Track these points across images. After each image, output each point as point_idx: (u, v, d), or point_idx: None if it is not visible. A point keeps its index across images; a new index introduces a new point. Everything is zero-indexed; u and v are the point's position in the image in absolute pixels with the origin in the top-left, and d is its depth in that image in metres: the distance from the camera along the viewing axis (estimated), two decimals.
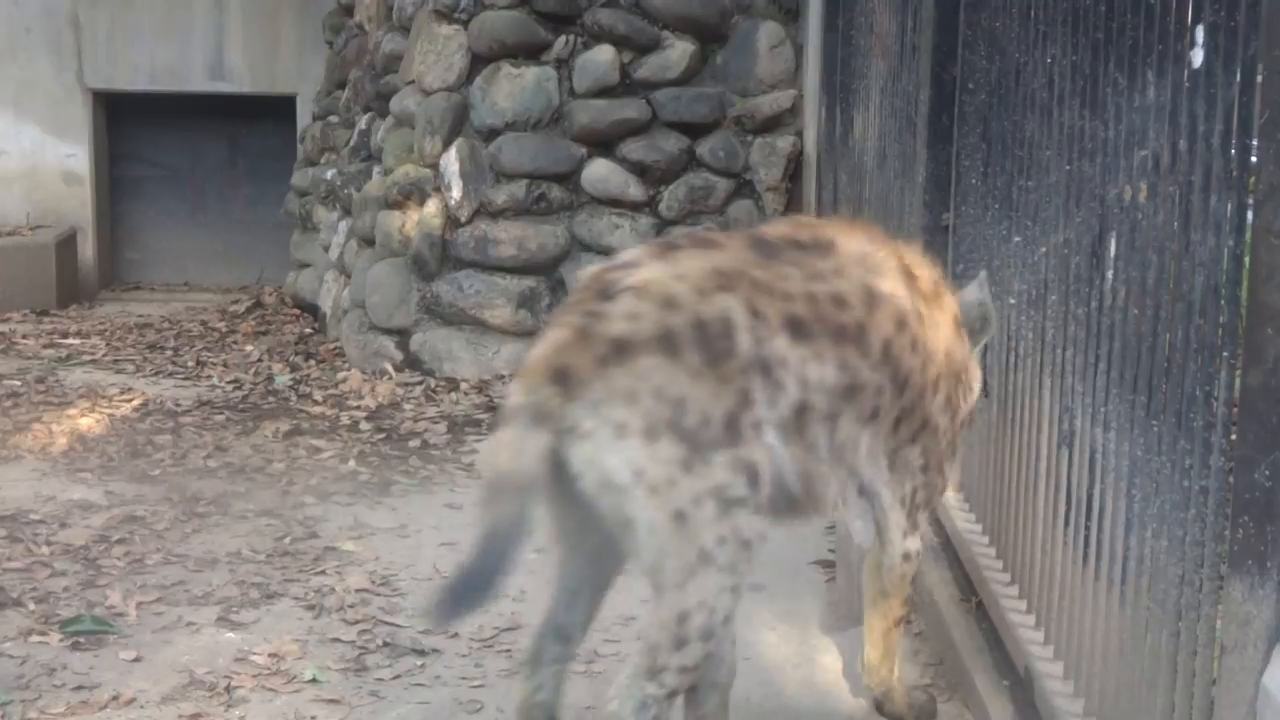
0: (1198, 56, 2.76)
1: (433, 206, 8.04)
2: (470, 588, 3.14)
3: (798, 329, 3.15)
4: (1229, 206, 2.63)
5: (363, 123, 9.28)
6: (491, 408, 7.39)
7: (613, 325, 3.04)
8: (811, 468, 3.26)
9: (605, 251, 7.92)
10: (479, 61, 8.10)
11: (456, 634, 4.72)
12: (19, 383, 7.88)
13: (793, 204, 8.19)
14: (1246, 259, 2.55)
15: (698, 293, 3.09)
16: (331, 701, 4.23)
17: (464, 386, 7.75)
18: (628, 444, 2.99)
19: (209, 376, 8.17)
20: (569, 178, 7.98)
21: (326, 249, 9.38)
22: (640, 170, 7.96)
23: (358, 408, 7.43)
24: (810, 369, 3.16)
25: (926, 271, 3.52)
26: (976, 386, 3.72)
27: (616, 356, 3.01)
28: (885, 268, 3.37)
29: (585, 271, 3.43)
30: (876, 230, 3.56)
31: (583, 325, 3.06)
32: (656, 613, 3.14)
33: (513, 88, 7.99)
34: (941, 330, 3.47)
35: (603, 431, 3.00)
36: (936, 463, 3.54)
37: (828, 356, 3.19)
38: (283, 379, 7.99)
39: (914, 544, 3.63)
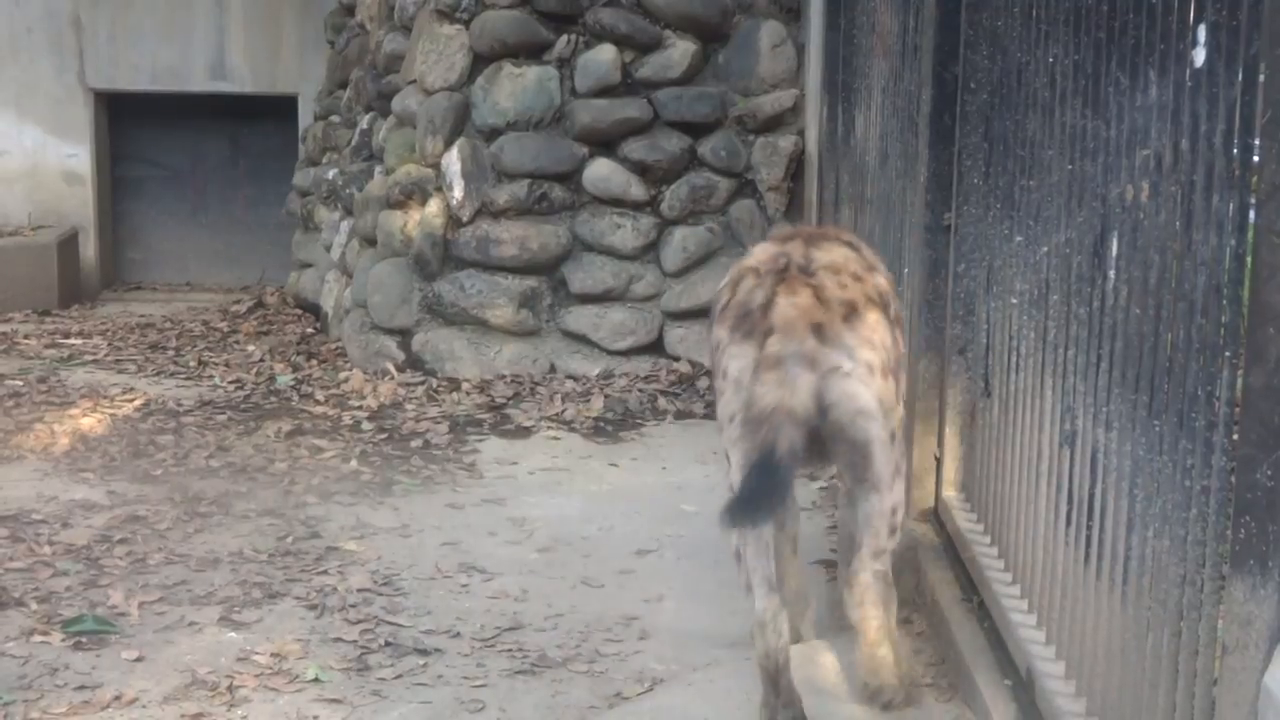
0: (1200, 56, 2.76)
1: (434, 206, 8.04)
2: (758, 503, 3.61)
3: (893, 300, 4.08)
4: (1231, 206, 2.62)
5: (364, 122, 9.28)
6: (493, 407, 7.40)
7: (836, 292, 3.80)
8: None
9: (607, 251, 7.92)
10: (480, 61, 8.11)
11: (459, 634, 4.72)
12: (21, 383, 7.89)
13: (794, 204, 8.19)
14: (1248, 258, 2.55)
15: (864, 271, 3.97)
16: (334, 701, 4.23)
17: (466, 386, 7.75)
18: (875, 380, 3.77)
19: (211, 376, 8.17)
20: (570, 177, 7.98)
21: (328, 249, 9.39)
22: (642, 170, 7.96)
23: (359, 407, 7.43)
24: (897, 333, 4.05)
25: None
26: None
27: (852, 314, 3.79)
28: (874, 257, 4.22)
29: (757, 256, 4.01)
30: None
31: (815, 291, 3.77)
32: (877, 511, 3.89)
33: (514, 87, 7.99)
34: None
35: (859, 370, 3.74)
36: None
37: (898, 327, 4.08)
38: (284, 379, 8.00)
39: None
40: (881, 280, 4.04)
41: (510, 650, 4.61)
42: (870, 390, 3.76)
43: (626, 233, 7.92)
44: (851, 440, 3.81)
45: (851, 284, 3.87)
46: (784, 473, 3.58)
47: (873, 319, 3.83)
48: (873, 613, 3.94)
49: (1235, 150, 2.60)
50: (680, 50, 8.05)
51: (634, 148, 7.96)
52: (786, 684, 3.83)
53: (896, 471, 3.93)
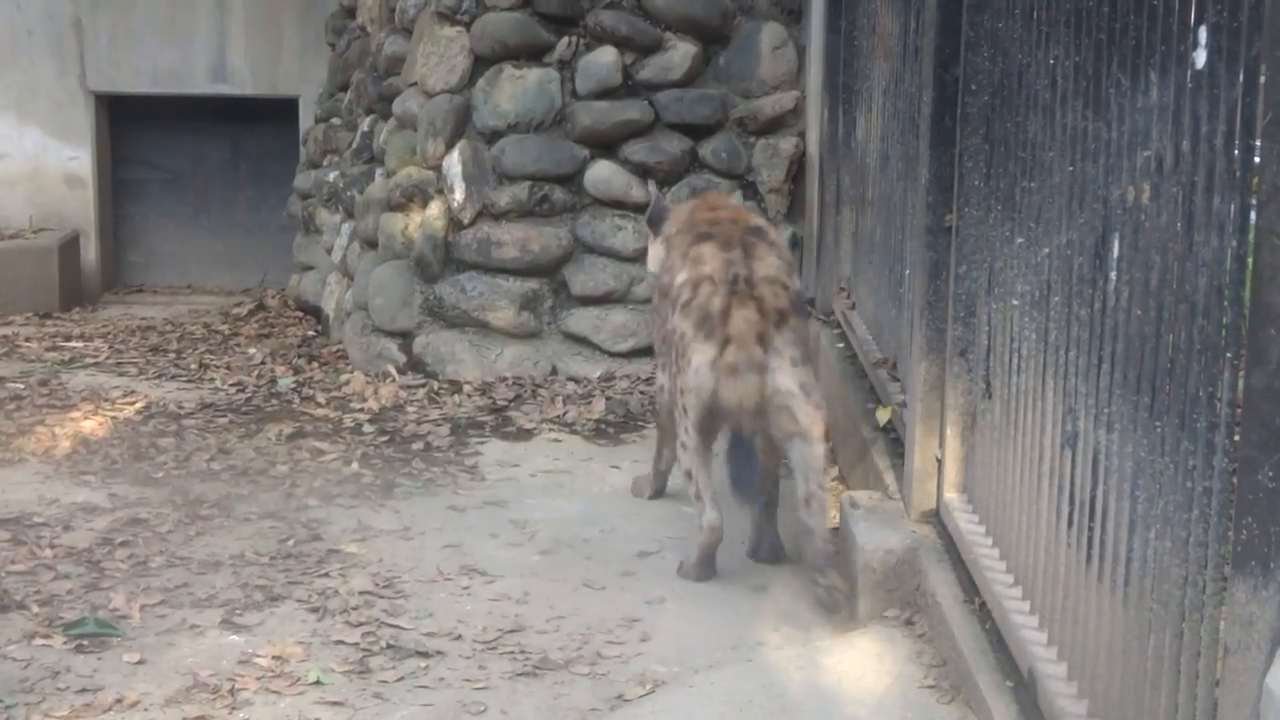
0: (1200, 57, 2.76)
1: (435, 208, 8.04)
2: (746, 481, 5.10)
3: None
4: (1232, 207, 2.63)
5: (365, 125, 9.29)
6: (495, 410, 7.40)
7: (770, 303, 5.08)
8: None
9: (608, 253, 7.93)
10: (481, 63, 8.11)
11: (460, 636, 4.72)
12: (22, 385, 7.89)
13: (795, 205, 8.20)
14: (1249, 260, 2.55)
15: (787, 277, 5.24)
16: (335, 704, 4.23)
17: (467, 389, 7.75)
18: (797, 369, 5.05)
19: (212, 379, 8.17)
20: (572, 179, 7.99)
21: (329, 251, 9.39)
22: (643, 172, 7.96)
23: (361, 410, 7.43)
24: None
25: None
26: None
27: (782, 322, 5.07)
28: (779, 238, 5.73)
29: (712, 267, 5.18)
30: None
31: (759, 306, 5.04)
32: (811, 456, 5.07)
33: (515, 89, 8.00)
34: None
35: (786, 365, 5.03)
36: None
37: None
38: (285, 381, 8.00)
39: None
40: (797, 282, 5.38)
41: (512, 652, 4.61)
42: (794, 378, 5.03)
43: (628, 235, 7.92)
44: (781, 409, 5.06)
45: (781, 293, 5.14)
46: (750, 442, 5.07)
47: (794, 322, 5.13)
48: (819, 520, 5.02)
49: (1236, 152, 2.61)
50: (681, 52, 8.05)
51: (635, 150, 7.96)
52: (712, 560, 5.27)
53: (824, 431, 5.18)
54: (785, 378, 5.02)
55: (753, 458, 5.09)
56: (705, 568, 5.26)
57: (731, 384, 4.99)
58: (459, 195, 7.95)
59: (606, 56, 7.97)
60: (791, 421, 5.05)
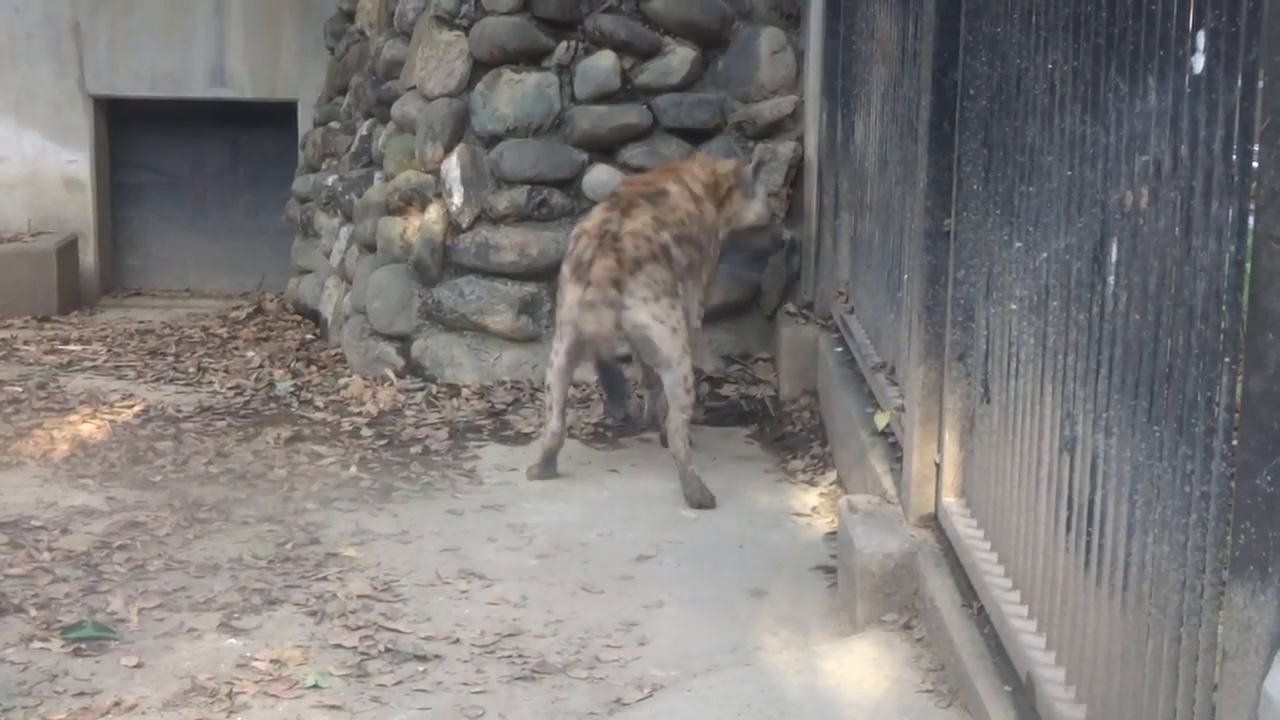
0: (1199, 62, 2.77)
1: (434, 212, 8.04)
2: (614, 393, 6.43)
3: (678, 240, 6.54)
4: (1230, 212, 2.63)
5: (364, 129, 9.28)
6: (493, 413, 7.40)
7: (629, 253, 6.28)
8: (688, 303, 6.53)
9: None
10: (480, 67, 8.11)
11: (458, 640, 4.73)
12: (20, 389, 7.89)
13: (794, 209, 8.19)
14: (1248, 264, 2.55)
15: (655, 231, 6.44)
16: (333, 707, 4.23)
17: (465, 392, 7.75)
18: (649, 305, 6.24)
19: (210, 382, 8.17)
20: (570, 183, 7.98)
21: (328, 255, 9.39)
22: None
23: (359, 414, 7.43)
24: (683, 258, 6.54)
25: (693, 182, 6.93)
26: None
27: (637, 268, 6.26)
28: (684, 194, 6.81)
29: (585, 226, 6.57)
30: (670, 170, 7.07)
31: (617, 256, 6.25)
32: (672, 381, 6.32)
33: (514, 93, 8.00)
34: (708, 215, 6.90)
35: (638, 303, 6.23)
36: (708, 279, 6.92)
37: (686, 250, 6.59)
38: (284, 385, 8.00)
39: (698, 324, 6.84)
40: (666, 235, 6.46)
41: (510, 656, 4.61)
42: (647, 312, 6.22)
43: None
44: (640, 342, 6.36)
45: (643, 244, 6.33)
46: (610, 365, 6.35)
47: (649, 268, 6.28)
48: (681, 445, 6.25)
49: (1234, 156, 2.61)
50: (680, 56, 8.05)
51: (634, 154, 7.96)
52: (553, 463, 6.52)
53: (683, 352, 6.28)
54: (639, 313, 6.21)
55: (615, 379, 6.37)
56: (547, 468, 6.50)
57: (589, 317, 6.17)
58: (457, 199, 7.95)
59: (605, 61, 7.97)
60: (653, 351, 6.31)
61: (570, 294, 6.28)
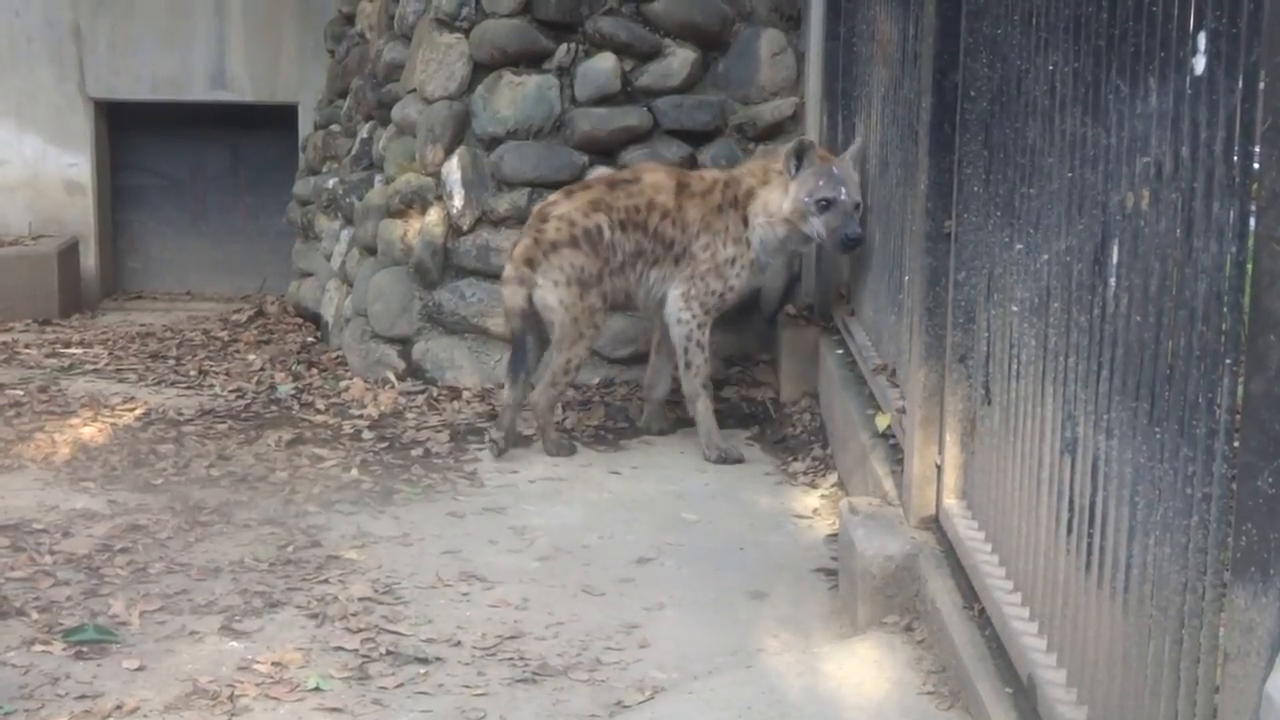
0: (1200, 63, 2.77)
1: (435, 215, 8.04)
2: (513, 366, 6.90)
3: (623, 225, 6.86)
4: (1231, 213, 2.63)
5: (364, 131, 9.28)
6: (494, 416, 7.40)
7: (548, 236, 6.81)
8: (629, 287, 6.96)
9: None
10: (480, 70, 8.11)
11: (459, 642, 4.72)
12: (21, 392, 7.88)
13: None
14: (1249, 266, 2.55)
15: (584, 215, 6.84)
16: (335, 710, 4.23)
17: (466, 395, 7.75)
18: (559, 289, 6.76)
19: (211, 385, 8.17)
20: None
21: (328, 258, 9.39)
22: None
23: (360, 416, 7.43)
24: (627, 244, 6.87)
25: (698, 182, 7.04)
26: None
27: (552, 251, 6.79)
28: (664, 187, 6.97)
29: (535, 209, 7.08)
30: (670, 167, 7.33)
31: (535, 236, 6.82)
32: (557, 360, 6.84)
33: (514, 96, 8.00)
34: (694, 211, 6.92)
35: (548, 285, 6.77)
36: (703, 272, 6.90)
37: (633, 237, 6.87)
38: (285, 388, 8.00)
39: (688, 315, 6.94)
40: (600, 219, 6.82)
41: (511, 659, 4.61)
42: (555, 295, 6.75)
43: None
44: (549, 322, 6.83)
45: (564, 228, 6.77)
46: (520, 336, 6.87)
47: (566, 251, 6.74)
48: (547, 418, 6.92)
49: (1235, 157, 2.61)
50: (680, 58, 8.05)
51: (634, 156, 7.95)
52: (510, 424, 6.94)
53: (576, 339, 6.79)
54: (546, 294, 6.77)
55: (521, 350, 6.85)
56: (507, 439, 6.89)
57: (505, 292, 6.89)
58: (458, 201, 7.95)
59: (605, 63, 7.97)
60: (553, 330, 6.81)
61: (504, 270, 6.97)
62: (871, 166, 6.59)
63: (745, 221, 6.88)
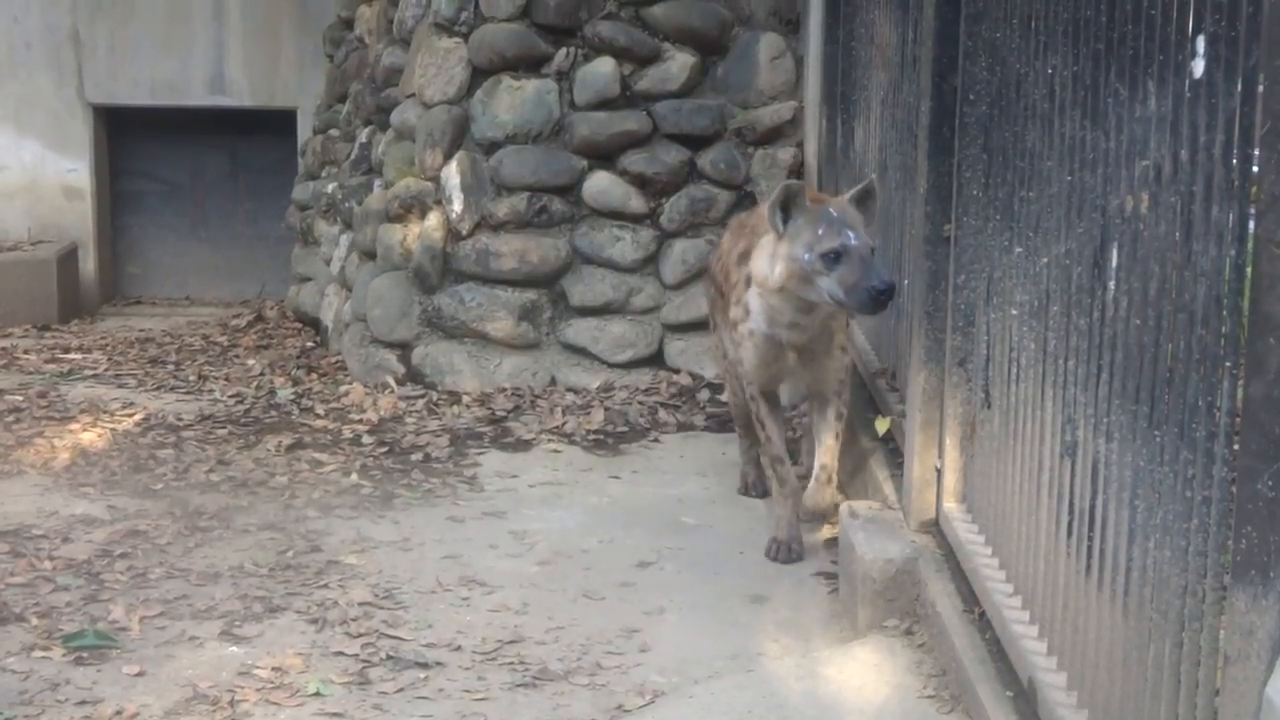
0: (1199, 67, 2.77)
1: (434, 219, 8.04)
2: None
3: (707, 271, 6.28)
4: (1230, 216, 2.63)
5: (363, 136, 9.28)
6: (494, 420, 7.40)
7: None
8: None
9: (607, 264, 7.93)
10: (479, 74, 8.11)
11: (460, 647, 4.72)
12: (20, 398, 7.88)
13: None
14: (1248, 269, 2.55)
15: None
16: (335, 715, 4.23)
17: (466, 399, 7.75)
18: None
19: (211, 390, 8.17)
20: (570, 190, 7.99)
21: (328, 262, 9.39)
22: (641, 182, 7.96)
23: (360, 421, 7.43)
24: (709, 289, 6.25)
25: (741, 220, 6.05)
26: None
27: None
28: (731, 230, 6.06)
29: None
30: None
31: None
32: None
33: (513, 100, 8.00)
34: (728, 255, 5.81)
35: None
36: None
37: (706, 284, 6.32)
38: (284, 393, 7.99)
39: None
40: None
41: (511, 663, 4.61)
42: None
43: (626, 245, 7.92)
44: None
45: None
46: None
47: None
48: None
49: (1234, 161, 2.61)
50: (679, 63, 8.05)
51: (633, 160, 7.96)
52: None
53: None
54: None
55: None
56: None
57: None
58: (457, 206, 7.95)
59: (604, 67, 7.98)
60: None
61: None
62: (870, 170, 6.58)
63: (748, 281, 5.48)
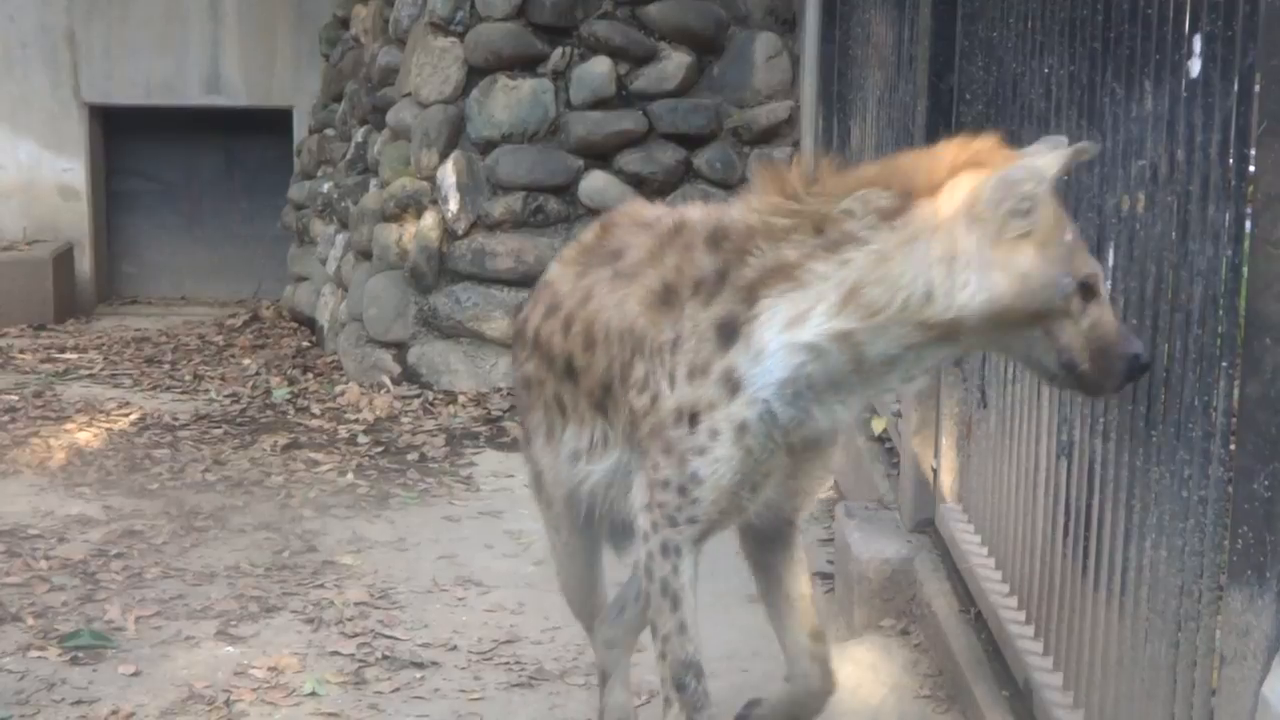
0: (1195, 66, 2.76)
1: (430, 219, 8.04)
2: None
3: None
4: (1227, 216, 2.63)
5: (359, 135, 9.28)
6: (489, 420, 7.39)
7: None
8: None
9: None
10: (475, 74, 8.11)
11: (455, 647, 4.72)
12: (16, 398, 7.87)
13: None
14: (1245, 269, 2.55)
15: None
16: (331, 715, 4.23)
17: (462, 399, 7.74)
18: None
19: (207, 390, 8.16)
20: (566, 190, 7.98)
21: (323, 262, 9.38)
22: (637, 182, 7.96)
23: (355, 421, 7.42)
24: None
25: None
26: None
27: None
28: None
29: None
30: None
31: None
32: None
33: (509, 100, 8.00)
34: None
35: None
36: None
37: None
38: (280, 392, 7.99)
39: None
40: None
41: (507, 663, 4.60)
42: None
43: None
44: None
45: None
46: None
47: None
48: None
49: (1231, 160, 2.60)
50: (675, 62, 8.05)
51: (629, 160, 7.96)
52: None
53: None
54: None
55: None
56: None
57: None
58: (453, 206, 7.95)
59: (600, 67, 7.97)
60: None
61: None
62: None
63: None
